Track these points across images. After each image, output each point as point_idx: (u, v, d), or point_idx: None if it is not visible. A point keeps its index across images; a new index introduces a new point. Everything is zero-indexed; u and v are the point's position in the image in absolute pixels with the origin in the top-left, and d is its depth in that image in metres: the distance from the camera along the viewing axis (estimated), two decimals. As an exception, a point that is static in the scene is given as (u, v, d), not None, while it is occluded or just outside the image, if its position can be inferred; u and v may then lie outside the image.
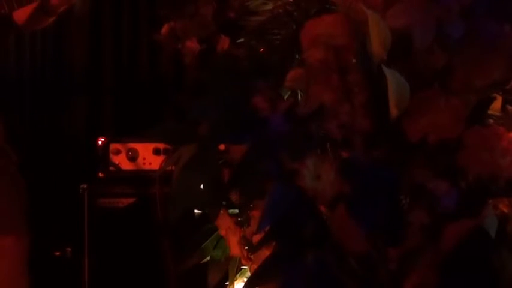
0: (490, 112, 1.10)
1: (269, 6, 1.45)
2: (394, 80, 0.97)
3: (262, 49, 1.43)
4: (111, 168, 2.97)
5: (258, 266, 1.12)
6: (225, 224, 1.45)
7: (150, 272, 2.81)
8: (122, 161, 2.98)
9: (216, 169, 1.16)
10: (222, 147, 1.24)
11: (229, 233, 1.45)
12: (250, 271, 1.46)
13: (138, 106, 3.46)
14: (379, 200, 0.97)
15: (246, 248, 1.43)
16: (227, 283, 1.54)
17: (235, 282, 1.54)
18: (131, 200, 2.90)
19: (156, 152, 2.97)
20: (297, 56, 1.25)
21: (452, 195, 0.99)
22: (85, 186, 2.87)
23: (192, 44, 1.57)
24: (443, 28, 0.98)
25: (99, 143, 3.00)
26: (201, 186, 1.16)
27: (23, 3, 2.14)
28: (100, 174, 2.97)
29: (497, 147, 0.99)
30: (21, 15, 1.96)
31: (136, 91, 3.48)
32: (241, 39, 1.50)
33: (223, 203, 1.35)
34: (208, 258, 1.54)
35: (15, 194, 1.82)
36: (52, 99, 3.46)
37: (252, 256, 1.41)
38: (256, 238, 1.30)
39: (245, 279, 1.52)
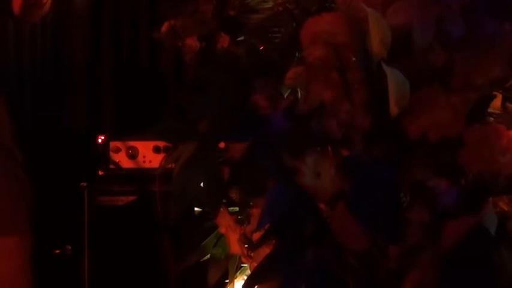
0: (490, 110, 1.10)
1: (269, 4, 1.44)
2: (394, 78, 0.97)
3: (262, 47, 1.43)
4: (111, 166, 2.97)
5: (258, 264, 1.12)
6: (225, 222, 1.45)
7: (150, 270, 2.81)
8: (122, 159, 2.98)
9: (216, 167, 1.16)
10: (222, 145, 1.24)
11: (229, 231, 1.45)
12: (250, 269, 1.46)
13: (138, 104, 3.46)
14: (379, 198, 0.97)
15: (246, 246, 1.43)
16: (227, 281, 1.54)
17: (235, 280, 1.53)
18: (131, 198, 2.90)
19: (156, 150, 2.97)
20: (297, 54, 1.24)
21: (452, 193, 0.99)
22: (85, 184, 2.87)
23: (192, 42, 1.57)
24: (443, 26, 0.98)
25: (99, 141, 2.99)
26: (201, 184, 1.16)
27: None
28: (100, 172, 2.97)
29: (497, 145, 0.99)
30: (16, 2, 1.93)
31: (136, 89, 3.47)
32: (241, 37, 1.50)
33: (223, 201, 1.35)
34: (208, 256, 1.54)
35: (20, 195, 1.82)
36: (52, 97, 3.45)
37: (252, 254, 1.41)
38: (256, 236, 1.30)
39: (245, 277, 1.52)
